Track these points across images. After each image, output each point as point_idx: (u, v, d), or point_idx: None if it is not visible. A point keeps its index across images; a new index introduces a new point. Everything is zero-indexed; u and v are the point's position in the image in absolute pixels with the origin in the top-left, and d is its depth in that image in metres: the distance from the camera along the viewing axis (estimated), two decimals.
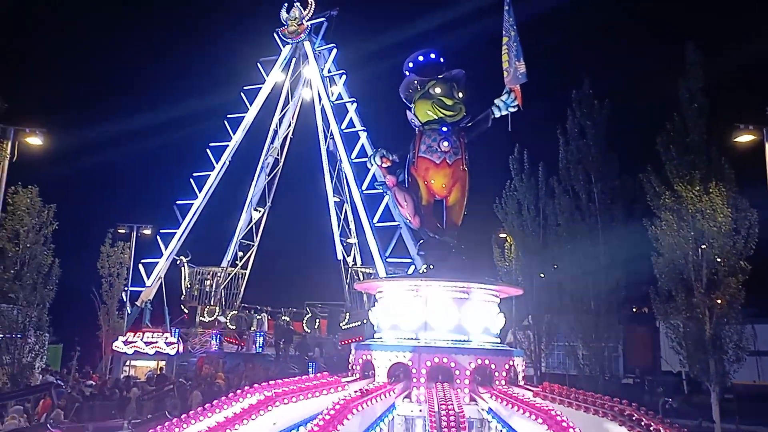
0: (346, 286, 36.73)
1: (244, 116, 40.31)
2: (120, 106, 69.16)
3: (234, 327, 37.93)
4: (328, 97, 38.44)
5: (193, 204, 38.75)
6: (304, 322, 38.67)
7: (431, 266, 9.40)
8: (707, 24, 52.63)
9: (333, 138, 37.56)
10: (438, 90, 9.55)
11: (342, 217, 38.70)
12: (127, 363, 31.31)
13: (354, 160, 35.70)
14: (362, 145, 36.13)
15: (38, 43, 57.87)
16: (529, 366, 22.57)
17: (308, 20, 40.31)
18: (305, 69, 41.10)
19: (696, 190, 17.72)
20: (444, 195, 9.56)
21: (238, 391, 8.14)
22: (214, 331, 35.72)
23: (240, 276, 41.59)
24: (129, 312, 33.84)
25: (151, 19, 72.21)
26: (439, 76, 9.65)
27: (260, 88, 40.80)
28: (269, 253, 43.24)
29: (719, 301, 17.69)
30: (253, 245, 42.23)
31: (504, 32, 9.43)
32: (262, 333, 37.13)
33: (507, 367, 8.68)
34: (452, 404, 7.32)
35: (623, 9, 66.14)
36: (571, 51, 56.20)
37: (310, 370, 27.17)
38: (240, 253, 41.65)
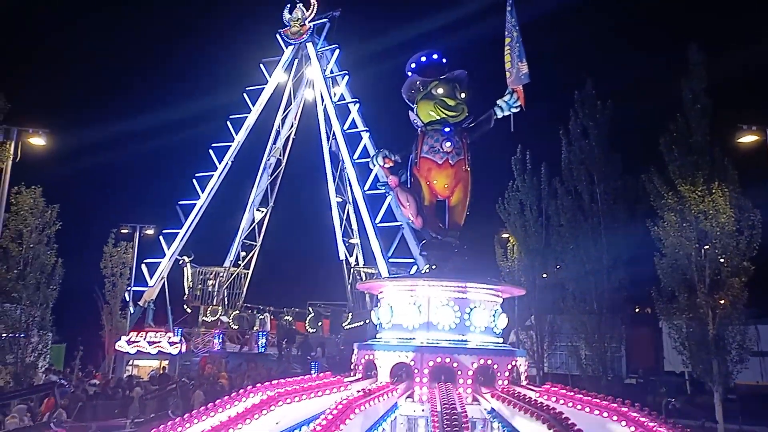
0: (349, 287, 36.78)
1: (246, 117, 40.36)
2: (123, 106, 69.28)
3: (237, 327, 37.99)
4: (331, 98, 38.48)
5: (195, 204, 38.80)
6: (307, 322, 38.69)
7: (434, 266, 9.40)
8: (710, 24, 52.57)
9: (335, 138, 37.62)
10: (440, 90, 9.56)
11: (344, 218, 38.74)
12: (130, 362, 31.36)
13: (356, 161, 35.73)
14: (364, 146, 36.16)
15: (41, 43, 57.97)
16: (532, 366, 22.55)
17: (311, 21, 40.37)
18: (308, 70, 41.13)
19: (699, 191, 17.71)
20: (446, 195, 9.56)
21: (241, 391, 8.14)
22: (216, 331, 35.75)
23: (242, 276, 41.63)
24: (132, 312, 33.85)
25: (155, 20, 72.30)
26: (442, 77, 9.66)
27: (263, 88, 40.85)
28: (272, 253, 43.35)
29: (722, 302, 17.67)
30: (256, 245, 42.28)
31: (506, 33, 9.44)
32: (264, 333, 37.10)
33: (510, 367, 8.67)
34: (455, 404, 7.32)
35: (626, 9, 66.02)
36: (573, 52, 56.17)
37: (313, 370, 27.18)
38: (243, 253, 41.71)
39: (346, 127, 37.30)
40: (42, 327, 21.29)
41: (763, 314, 25.19)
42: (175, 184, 44.25)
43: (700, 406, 22.68)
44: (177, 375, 28.24)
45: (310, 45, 40.40)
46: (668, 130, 18.66)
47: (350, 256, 38.22)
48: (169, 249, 37.99)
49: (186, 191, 39.12)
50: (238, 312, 39.41)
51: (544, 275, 24.27)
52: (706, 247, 17.80)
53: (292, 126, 42.70)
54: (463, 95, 9.68)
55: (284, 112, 42.06)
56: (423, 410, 8.04)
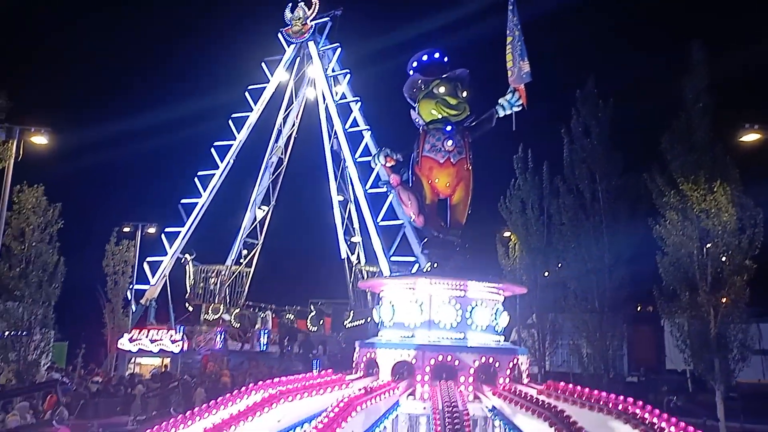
0: (350, 285, 36.84)
1: (248, 115, 40.43)
2: (125, 105, 69.36)
3: (238, 325, 38.05)
4: (332, 97, 38.49)
5: (197, 203, 38.90)
6: (309, 320, 38.78)
7: (435, 265, 9.41)
8: (712, 23, 52.42)
9: (337, 137, 37.63)
10: (442, 89, 9.56)
11: (346, 216, 38.77)
12: (132, 360, 31.45)
13: (358, 159, 35.75)
14: (366, 144, 36.18)
15: (42, 43, 58.03)
16: (534, 364, 22.57)
17: (312, 20, 40.40)
18: (309, 68, 41.16)
19: (701, 189, 17.70)
20: (448, 194, 9.56)
21: (243, 389, 8.16)
22: (218, 329, 35.82)
23: (244, 274, 41.69)
24: (134, 310, 33.94)
25: (155, 20, 72.40)
26: (443, 76, 9.64)
27: (265, 87, 40.90)
28: (273, 252, 43.42)
29: (724, 300, 17.66)
30: (258, 244, 42.34)
31: (508, 32, 9.43)
32: (266, 331, 37.20)
33: (511, 365, 8.67)
34: (456, 402, 7.34)
35: (626, 9, 65.96)
36: (574, 51, 56.15)
37: (314, 368, 27.22)
38: (244, 252, 41.78)
39: (347, 125, 37.31)
40: (44, 325, 21.38)
41: (765, 313, 25.13)
42: (177, 183, 44.35)
43: (701, 404, 22.68)
44: (179, 373, 28.32)
45: (311, 44, 40.43)
46: (670, 129, 18.67)
47: (352, 254, 38.25)
48: (171, 247, 38.08)
49: (188, 190, 39.25)
50: (239, 310, 39.48)
51: (546, 273, 24.28)
52: (707, 245, 17.79)
53: (293, 125, 42.72)
54: (464, 94, 9.68)
55: (286, 110, 42.09)
56: (424, 408, 8.05)
